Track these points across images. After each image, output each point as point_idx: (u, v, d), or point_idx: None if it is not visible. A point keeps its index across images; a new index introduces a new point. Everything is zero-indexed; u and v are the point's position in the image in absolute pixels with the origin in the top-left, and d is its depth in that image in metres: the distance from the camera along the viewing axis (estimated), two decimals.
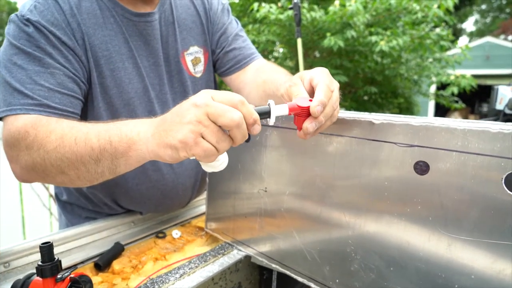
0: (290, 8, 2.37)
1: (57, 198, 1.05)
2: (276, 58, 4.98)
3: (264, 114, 0.55)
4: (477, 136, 0.48)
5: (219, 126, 0.50)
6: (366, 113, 0.74)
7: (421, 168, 0.53)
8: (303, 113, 0.57)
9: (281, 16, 3.60)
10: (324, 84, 0.59)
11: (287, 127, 0.72)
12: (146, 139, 0.57)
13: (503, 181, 0.46)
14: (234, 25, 1.03)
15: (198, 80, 0.98)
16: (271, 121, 0.56)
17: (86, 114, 0.83)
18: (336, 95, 0.60)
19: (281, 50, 4.97)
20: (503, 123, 0.60)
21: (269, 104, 0.56)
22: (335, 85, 0.62)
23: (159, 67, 0.90)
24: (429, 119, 0.54)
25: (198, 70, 0.98)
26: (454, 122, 0.51)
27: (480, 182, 0.48)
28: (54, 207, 2.35)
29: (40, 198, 2.25)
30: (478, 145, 0.47)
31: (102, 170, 0.63)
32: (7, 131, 0.69)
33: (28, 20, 0.72)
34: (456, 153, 0.49)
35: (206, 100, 0.51)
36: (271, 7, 3.65)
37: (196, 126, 0.50)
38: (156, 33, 0.87)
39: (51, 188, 2.35)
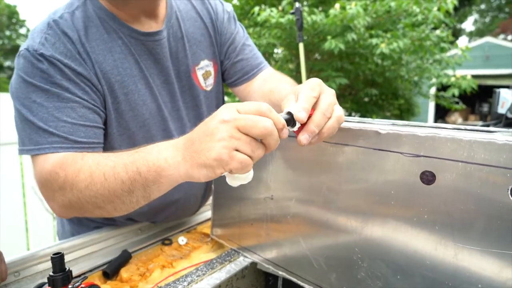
0: (292, 13, 2.38)
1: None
2: (276, 61, 4.99)
3: (289, 121, 0.56)
4: (483, 147, 0.48)
5: (251, 136, 0.51)
6: (370, 119, 0.74)
7: (427, 178, 0.54)
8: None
9: (282, 20, 3.61)
10: (303, 92, 0.58)
11: (293, 136, 0.73)
12: (177, 163, 0.57)
13: (509, 191, 0.46)
14: (241, 34, 1.02)
15: (208, 94, 0.97)
16: (296, 127, 0.58)
17: None
18: (326, 102, 0.59)
19: (280, 51, 4.98)
20: (507, 130, 0.61)
21: (289, 113, 0.57)
22: (327, 93, 0.61)
23: (171, 84, 0.89)
24: (435, 129, 0.55)
25: (208, 84, 0.97)
26: (460, 132, 0.52)
27: (486, 192, 0.48)
28: None
29: (43, 203, 2.25)
30: (484, 156, 0.48)
31: (137, 199, 0.64)
32: (39, 173, 0.70)
33: (42, 55, 0.71)
34: (462, 163, 0.50)
35: (233, 114, 0.51)
36: (271, 11, 3.67)
37: (229, 142, 0.50)
38: (165, 51, 0.86)
39: None
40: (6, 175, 2.20)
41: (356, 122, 0.66)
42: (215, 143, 0.51)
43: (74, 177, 0.66)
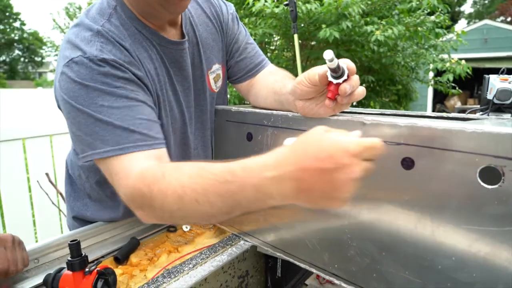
0: (286, 5, 2.40)
1: (77, 218, 1.03)
2: (273, 50, 5.00)
3: (337, 71, 0.63)
4: (455, 135, 0.54)
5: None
6: (360, 109, 0.80)
7: (407, 164, 0.59)
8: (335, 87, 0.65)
9: (277, 10, 3.61)
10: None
11: (287, 127, 0.78)
12: (287, 199, 0.55)
13: (477, 174, 0.52)
14: (243, 33, 1.05)
15: (216, 94, 1.01)
16: (342, 79, 0.64)
17: None
18: (356, 76, 0.67)
19: (278, 39, 4.98)
20: (486, 117, 0.66)
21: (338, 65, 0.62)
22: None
23: (190, 90, 0.92)
24: (416, 119, 0.60)
25: (218, 86, 1.01)
26: (435, 122, 0.57)
27: (459, 176, 0.54)
28: (63, 205, 2.42)
29: (49, 196, 2.32)
30: (456, 142, 0.54)
31: (234, 214, 0.62)
32: (124, 187, 0.68)
33: (103, 60, 0.71)
34: (438, 150, 0.56)
35: (361, 167, 0.52)
36: (266, 1, 3.67)
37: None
38: (187, 58, 0.89)
39: (59, 187, 2.41)
40: (11, 171, 2.25)
41: (346, 112, 0.71)
42: (341, 201, 0.53)
43: (163, 198, 0.63)
